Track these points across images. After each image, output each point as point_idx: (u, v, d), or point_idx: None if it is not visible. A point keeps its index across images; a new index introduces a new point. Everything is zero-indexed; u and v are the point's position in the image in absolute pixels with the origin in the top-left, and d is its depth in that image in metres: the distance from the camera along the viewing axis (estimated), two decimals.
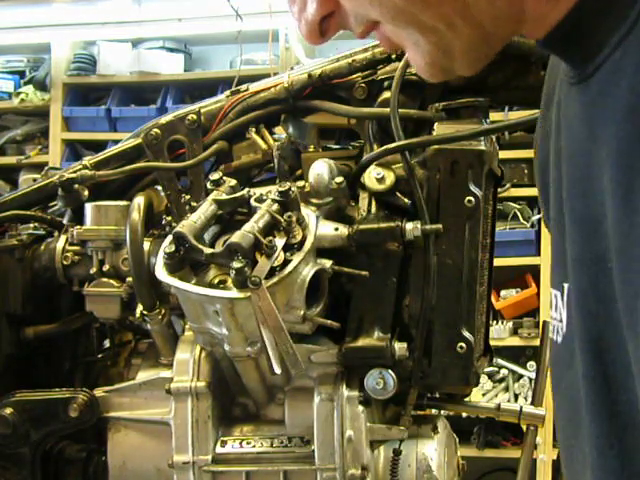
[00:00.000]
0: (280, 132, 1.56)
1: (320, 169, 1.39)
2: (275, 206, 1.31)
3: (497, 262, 1.56)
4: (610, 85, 0.64)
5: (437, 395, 1.50)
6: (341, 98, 1.48)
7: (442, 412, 1.57)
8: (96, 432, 1.53)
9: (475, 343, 1.36)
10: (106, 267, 1.50)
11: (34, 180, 1.70)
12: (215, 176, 1.39)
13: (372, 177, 1.39)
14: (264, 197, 1.35)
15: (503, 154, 1.54)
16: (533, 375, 3.48)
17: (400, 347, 1.35)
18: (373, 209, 1.39)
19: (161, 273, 1.31)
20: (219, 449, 1.41)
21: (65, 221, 1.61)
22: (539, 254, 3.60)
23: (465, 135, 1.34)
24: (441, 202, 1.35)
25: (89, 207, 1.53)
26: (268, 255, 1.25)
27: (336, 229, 1.36)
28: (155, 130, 1.54)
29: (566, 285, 0.75)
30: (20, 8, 4.14)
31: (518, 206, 3.80)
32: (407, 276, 1.37)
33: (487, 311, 1.49)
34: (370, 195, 1.40)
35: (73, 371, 1.64)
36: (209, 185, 1.39)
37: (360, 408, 1.36)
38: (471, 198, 1.34)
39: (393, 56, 1.44)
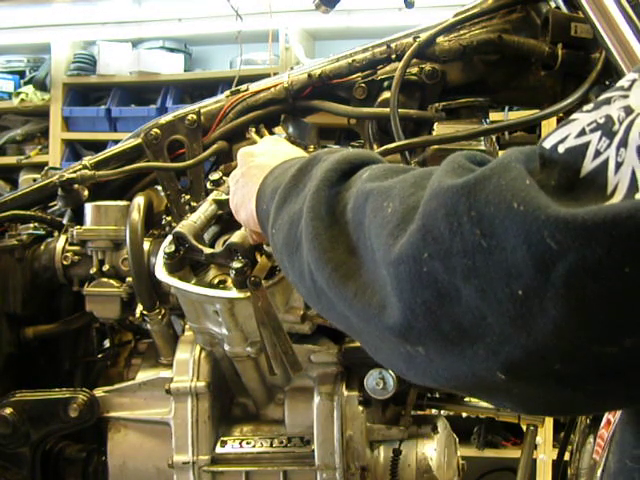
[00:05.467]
0: (280, 132, 1.56)
1: None
2: None
3: None
4: None
5: (437, 395, 1.50)
6: (341, 98, 1.48)
7: (442, 412, 1.57)
8: (96, 432, 1.53)
9: None
10: (106, 267, 1.50)
11: (34, 180, 1.71)
12: (215, 176, 1.39)
13: None
14: None
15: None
16: None
17: None
18: None
19: (161, 273, 1.31)
20: (219, 449, 1.41)
21: (65, 221, 1.61)
22: None
23: (465, 135, 1.34)
24: None
25: (89, 207, 1.53)
26: (268, 255, 1.25)
27: None
28: (155, 130, 1.54)
29: None
30: (20, 8, 4.14)
31: None
32: None
33: None
34: None
35: (73, 371, 1.64)
36: (209, 185, 1.39)
37: (360, 408, 1.36)
38: None
39: (393, 56, 1.44)
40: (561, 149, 0.56)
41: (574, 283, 0.51)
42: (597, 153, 0.54)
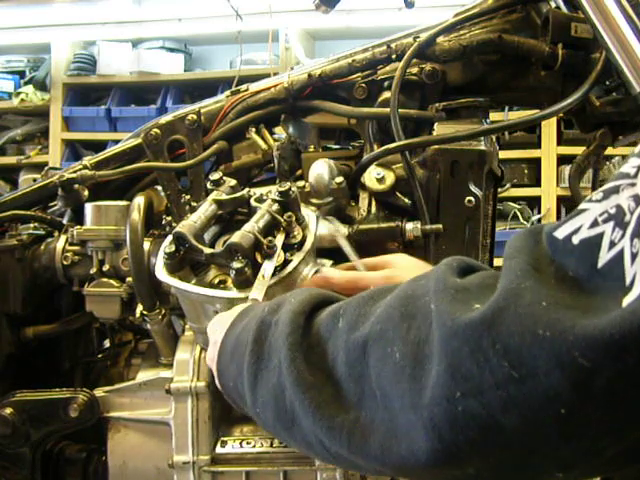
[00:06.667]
0: (280, 132, 1.56)
1: (320, 169, 1.39)
2: (275, 206, 1.31)
3: (497, 262, 1.56)
4: None
5: None
6: (341, 98, 1.48)
7: None
8: (96, 432, 1.53)
9: None
10: (106, 267, 1.50)
11: (34, 180, 1.70)
12: (215, 176, 1.39)
13: (372, 177, 1.38)
14: (264, 197, 1.35)
15: (503, 154, 1.54)
16: None
17: None
18: (373, 209, 1.39)
19: (161, 273, 1.31)
20: (219, 449, 1.41)
21: (65, 221, 1.61)
22: None
23: (465, 135, 1.34)
24: (441, 202, 1.35)
25: (89, 207, 1.53)
26: (269, 256, 1.25)
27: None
28: (155, 130, 1.54)
29: None
30: (20, 8, 4.14)
31: (518, 206, 3.80)
32: None
33: None
34: (370, 195, 1.40)
35: (73, 371, 1.64)
36: (209, 185, 1.39)
37: None
38: (471, 198, 1.33)
39: (393, 56, 1.44)
40: (575, 240, 0.58)
41: (613, 393, 0.54)
42: (612, 244, 0.56)
